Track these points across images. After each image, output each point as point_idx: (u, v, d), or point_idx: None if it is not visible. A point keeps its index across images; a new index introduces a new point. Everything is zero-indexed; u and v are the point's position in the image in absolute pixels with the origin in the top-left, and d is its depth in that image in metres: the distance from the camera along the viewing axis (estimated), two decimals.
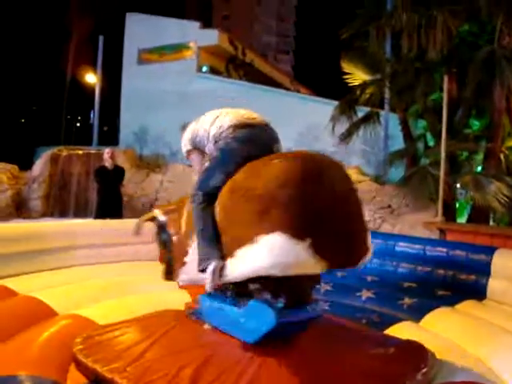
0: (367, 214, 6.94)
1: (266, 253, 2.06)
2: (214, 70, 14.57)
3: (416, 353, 2.42)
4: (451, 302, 3.51)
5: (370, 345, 2.51)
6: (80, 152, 11.51)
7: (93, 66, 15.17)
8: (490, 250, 3.86)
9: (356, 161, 9.08)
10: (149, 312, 3.19)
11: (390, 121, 8.97)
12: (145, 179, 11.25)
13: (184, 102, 12.57)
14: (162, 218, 3.12)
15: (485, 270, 3.77)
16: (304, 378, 2.03)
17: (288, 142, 10.60)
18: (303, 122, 10.15)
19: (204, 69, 14.15)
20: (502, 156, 7.76)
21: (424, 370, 2.22)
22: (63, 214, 10.63)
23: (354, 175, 8.12)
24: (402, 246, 4.32)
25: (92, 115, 15.89)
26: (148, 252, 4.93)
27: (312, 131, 10.00)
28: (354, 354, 2.34)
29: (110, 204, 6.49)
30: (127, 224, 5.24)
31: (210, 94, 12.24)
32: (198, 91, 12.61)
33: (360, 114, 8.16)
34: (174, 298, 3.56)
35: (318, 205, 2.09)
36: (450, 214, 6.85)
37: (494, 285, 3.68)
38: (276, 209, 2.09)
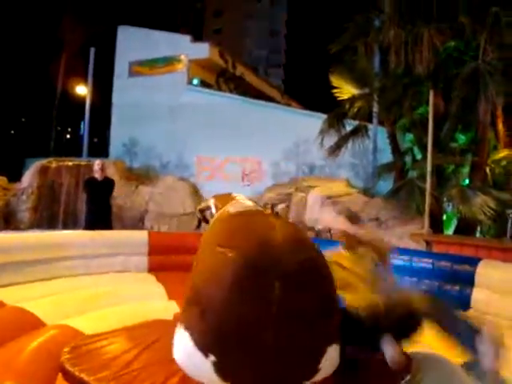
0: (354, 228, 7.00)
1: (178, 348, 1.96)
2: (204, 83, 14.68)
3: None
4: None
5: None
6: (70, 163, 11.49)
7: (84, 77, 15.21)
8: (474, 261, 3.93)
9: (345, 174, 9.18)
10: (137, 322, 3.21)
11: (379, 134, 9.10)
12: (134, 191, 11.25)
13: (174, 115, 12.65)
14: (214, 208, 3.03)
15: (469, 281, 3.84)
16: None
17: (277, 155, 10.73)
18: (293, 136, 10.27)
19: (194, 82, 14.25)
20: (487, 169, 7.89)
21: (407, 378, 2.24)
22: (52, 225, 10.58)
23: (342, 188, 8.22)
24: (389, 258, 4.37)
25: (82, 127, 15.86)
26: (137, 263, 4.95)
27: (301, 145, 10.12)
28: None
29: (100, 215, 6.49)
30: (116, 235, 5.27)
31: (200, 107, 12.33)
32: (188, 104, 12.69)
33: (348, 128, 8.27)
34: (163, 308, 3.58)
35: (240, 324, 1.76)
36: (437, 226, 6.94)
37: (477, 295, 3.74)
38: (195, 307, 1.87)
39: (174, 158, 12.51)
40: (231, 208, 2.37)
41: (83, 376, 2.18)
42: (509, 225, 5.79)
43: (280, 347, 1.76)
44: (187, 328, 1.89)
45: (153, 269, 4.88)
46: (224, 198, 2.85)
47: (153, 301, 3.97)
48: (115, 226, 7.36)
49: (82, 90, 16.45)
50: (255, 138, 10.67)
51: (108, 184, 6.73)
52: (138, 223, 10.67)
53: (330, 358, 1.88)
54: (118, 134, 14.07)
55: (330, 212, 7.44)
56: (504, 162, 8.14)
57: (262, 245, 1.83)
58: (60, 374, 2.33)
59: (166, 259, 4.86)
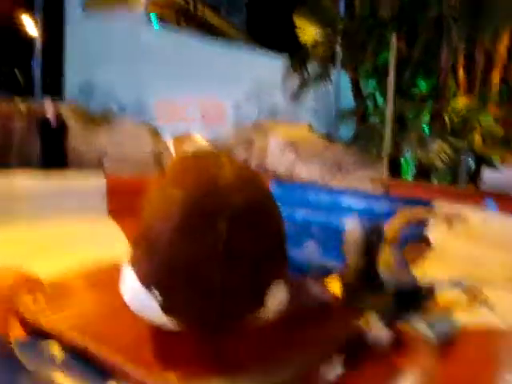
0: (316, 172, 7.08)
1: (126, 288, 1.97)
2: (164, 22, 14.01)
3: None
4: None
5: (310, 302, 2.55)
6: (21, 104, 10.90)
7: (31, 11, 14.18)
8: (428, 204, 4.05)
9: (307, 118, 9.14)
10: (94, 265, 3.17)
11: (341, 79, 9.03)
12: (92, 135, 10.87)
13: (133, 56, 12.08)
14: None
15: (423, 222, 3.96)
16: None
17: (239, 98, 10.48)
18: (255, 77, 10.04)
19: (154, 21, 13.57)
20: (446, 117, 8.03)
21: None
22: (3, 168, 10.14)
23: (304, 132, 8.20)
24: (347, 200, 4.47)
25: (33, 66, 14.95)
26: (95, 207, 4.85)
27: (264, 87, 9.94)
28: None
29: (54, 158, 6.26)
30: (73, 178, 5.11)
31: (160, 46, 11.80)
32: (148, 44, 12.12)
33: (312, 72, 8.15)
34: (123, 252, 3.54)
35: (186, 263, 1.86)
36: (396, 171, 7.10)
37: (431, 235, 3.88)
38: (141, 245, 1.92)
39: (133, 101, 12.07)
40: (186, 149, 2.32)
41: (37, 319, 2.15)
42: (462, 170, 5.98)
43: (226, 286, 1.77)
44: (133, 266, 1.86)
45: (112, 212, 4.79)
46: (182, 140, 2.79)
47: (112, 245, 3.92)
48: (72, 170, 7.14)
49: (30, 25, 15.38)
50: (217, 81, 10.39)
51: (62, 126, 6.45)
52: (96, 167, 10.40)
53: (276, 295, 1.91)
54: (73, 75, 13.38)
55: (290, 156, 7.45)
56: (463, 110, 8.29)
57: (211, 184, 1.79)
58: (13, 319, 2.28)
59: (125, 203, 4.76)
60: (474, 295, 2.75)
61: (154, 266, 1.88)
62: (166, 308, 1.87)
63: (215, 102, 10.87)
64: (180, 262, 1.83)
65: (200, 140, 2.62)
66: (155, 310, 1.89)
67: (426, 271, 3.38)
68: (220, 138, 9.32)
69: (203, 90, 10.82)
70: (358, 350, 2.13)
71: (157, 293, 1.84)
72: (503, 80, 9.79)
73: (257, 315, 1.96)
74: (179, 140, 2.87)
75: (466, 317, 2.58)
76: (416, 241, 2.87)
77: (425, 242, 2.86)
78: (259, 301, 1.94)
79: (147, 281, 1.89)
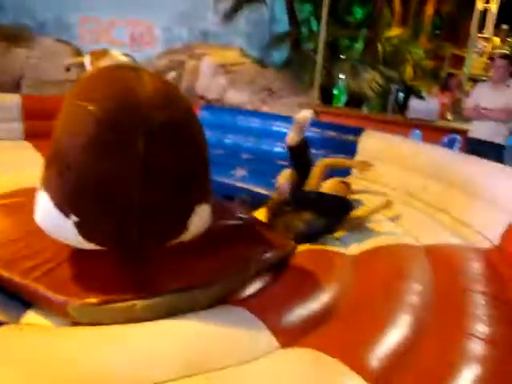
0: (247, 97, 6.93)
1: (39, 210, 1.81)
2: None
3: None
4: None
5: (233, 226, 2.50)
6: None
7: None
8: (358, 131, 4.11)
9: (239, 42, 8.79)
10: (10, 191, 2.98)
11: (276, 3, 8.68)
12: (6, 54, 9.89)
13: None
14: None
15: (352, 150, 4.04)
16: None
17: (169, 19, 9.84)
18: None
19: None
20: (379, 46, 8.05)
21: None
22: None
23: (236, 57, 7.93)
24: (278, 126, 4.42)
25: None
26: (11, 130, 4.50)
27: (195, 8, 9.37)
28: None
29: None
30: None
31: None
32: None
33: None
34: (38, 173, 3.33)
35: (101, 181, 1.66)
36: (327, 99, 7.11)
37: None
38: (54, 165, 1.72)
39: (51, 17, 10.95)
40: (103, 63, 2.12)
41: None
42: (390, 99, 6.10)
43: (145, 205, 1.70)
44: (46, 188, 1.74)
45: (29, 136, 4.47)
46: (99, 55, 2.56)
47: (30, 169, 3.67)
48: None
49: None
50: (146, 1, 9.65)
51: None
52: (12, 90, 9.57)
53: (198, 217, 1.88)
54: None
55: (222, 80, 7.23)
56: (395, 40, 8.34)
57: (127, 98, 1.66)
58: None
59: (42, 125, 4.42)
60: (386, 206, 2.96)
61: (66, 186, 1.67)
62: (82, 228, 1.74)
63: (144, 22, 10.15)
64: (94, 180, 1.65)
65: (119, 55, 2.41)
66: (70, 231, 1.76)
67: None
68: (150, 60, 8.83)
69: (131, 10, 10.04)
70: (278, 267, 2.20)
71: (73, 217, 1.66)
72: (436, 12, 9.90)
73: (179, 238, 1.92)
74: (96, 54, 2.62)
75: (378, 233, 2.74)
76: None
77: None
78: (182, 223, 1.88)
79: (60, 201, 1.70)
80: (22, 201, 2.65)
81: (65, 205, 1.71)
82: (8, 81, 9.54)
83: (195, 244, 2.00)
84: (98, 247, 1.84)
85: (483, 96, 4.14)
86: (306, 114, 2.96)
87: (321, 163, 3.13)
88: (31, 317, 1.78)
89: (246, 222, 2.50)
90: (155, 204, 1.73)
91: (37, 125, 4.44)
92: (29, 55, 9.86)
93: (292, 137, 2.91)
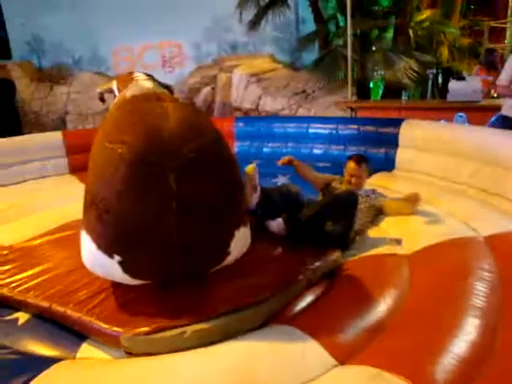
0: (282, 103, 6.87)
1: (84, 251, 1.88)
2: None
3: None
4: None
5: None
6: None
7: None
8: (397, 122, 3.95)
9: (269, 49, 8.76)
10: (59, 225, 3.06)
11: (300, 3, 8.60)
12: (49, 93, 10.35)
13: (77, 1, 11.26)
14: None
15: (393, 142, 3.89)
16: None
17: (197, 36, 9.98)
18: (211, 13, 9.49)
19: None
20: (410, 32, 7.78)
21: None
22: None
23: (267, 64, 7.90)
24: (314, 128, 4.34)
25: None
26: (56, 166, 4.66)
27: (221, 22, 9.44)
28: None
29: (4, 121, 5.92)
30: (28, 139, 4.85)
31: None
32: None
33: None
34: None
35: (139, 222, 1.69)
36: (364, 93, 6.93)
37: (401, 155, 3.82)
38: (91, 209, 1.75)
39: (86, 53, 11.39)
40: (128, 92, 2.14)
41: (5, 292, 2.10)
42: (429, 85, 5.85)
43: (184, 239, 1.73)
44: (88, 231, 1.81)
45: (74, 169, 4.61)
46: (125, 79, 2.58)
47: (77, 202, 3.77)
48: (34, 132, 6.78)
49: None
50: (172, 20, 9.78)
51: (6, 85, 6.04)
52: (59, 127, 9.98)
53: (239, 241, 1.89)
54: (18, 31, 12.50)
55: (255, 89, 7.20)
56: (426, 23, 8.04)
57: (152, 136, 1.67)
58: None
59: (86, 157, 4.57)
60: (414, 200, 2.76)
61: (106, 229, 1.66)
62: (126, 267, 1.73)
63: (173, 43, 10.35)
64: (133, 222, 1.64)
65: (141, 78, 2.45)
66: (115, 270, 1.72)
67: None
68: (183, 79, 8.96)
69: (160, 33, 10.25)
70: (328, 278, 2.12)
71: (117, 257, 1.68)
72: None
73: (222, 264, 1.91)
74: (122, 79, 2.67)
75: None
76: None
77: None
78: (223, 251, 1.88)
79: (102, 244, 1.68)
80: (71, 234, 2.73)
81: (107, 247, 1.77)
82: (56, 119, 9.99)
83: (241, 264, 1.99)
84: (144, 282, 1.87)
85: None
86: (251, 166, 2.58)
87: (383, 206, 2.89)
88: (86, 350, 1.80)
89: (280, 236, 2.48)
90: (194, 237, 1.77)
91: (80, 158, 4.59)
92: (70, 91, 10.28)
93: (250, 200, 2.46)
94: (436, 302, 1.75)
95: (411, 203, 2.77)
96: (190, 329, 1.69)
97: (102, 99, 3.10)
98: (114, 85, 2.75)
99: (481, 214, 2.65)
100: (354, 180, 2.90)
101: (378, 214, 2.85)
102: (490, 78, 5.92)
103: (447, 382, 1.30)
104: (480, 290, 1.77)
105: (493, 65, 6.19)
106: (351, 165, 2.93)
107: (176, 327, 1.70)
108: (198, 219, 1.73)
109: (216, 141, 1.82)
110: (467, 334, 1.51)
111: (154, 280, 1.91)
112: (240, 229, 1.89)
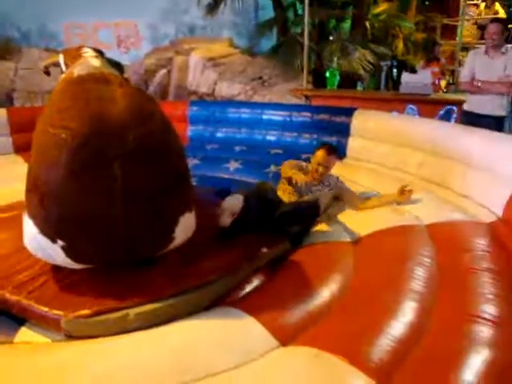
0: (238, 88, 6.83)
1: (26, 234, 1.84)
2: None
3: None
4: None
5: None
6: None
7: None
8: (350, 112, 4.00)
9: (227, 33, 8.67)
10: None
11: None
12: None
13: None
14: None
15: (345, 131, 3.94)
16: None
17: (154, 16, 9.71)
18: None
19: None
20: (367, 24, 7.91)
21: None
22: None
23: (224, 48, 7.83)
24: (268, 114, 4.35)
25: None
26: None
27: (178, 3, 9.23)
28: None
29: None
30: None
31: None
32: None
33: None
34: None
35: (83, 207, 1.66)
36: (320, 82, 7.00)
37: (352, 144, 3.88)
38: (34, 193, 1.73)
39: (35, 27, 10.88)
40: (76, 70, 2.05)
41: None
42: (383, 76, 5.98)
43: (128, 225, 1.72)
44: (30, 215, 1.77)
45: (19, 149, 4.40)
46: (73, 54, 2.48)
47: (21, 183, 3.62)
48: None
49: None
50: (128, 0, 9.51)
51: None
52: (5, 104, 9.51)
53: (184, 226, 1.90)
54: None
55: (212, 74, 7.13)
56: (383, 16, 8.19)
57: (96, 122, 1.63)
58: None
59: (32, 137, 4.37)
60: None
61: (49, 214, 1.61)
62: (69, 251, 1.65)
63: (129, 22, 10.03)
64: (75, 207, 1.56)
65: (89, 55, 2.34)
66: (58, 254, 1.64)
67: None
68: (139, 60, 8.73)
69: (115, 12, 9.90)
70: (275, 265, 2.14)
71: (60, 241, 1.62)
72: None
73: (167, 248, 1.90)
74: (69, 53, 2.55)
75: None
76: None
77: None
78: (167, 236, 1.86)
79: (45, 228, 1.61)
80: (14, 215, 2.62)
81: (50, 231, 1.73)
82: (1, 96, 9.48)
83: (188, 248, 1.98)
84: (87, 266, 1.84)
85: (479, 66, 3.96)
86: (233, 202, 2.51)
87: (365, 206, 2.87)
88: (25, 334, 1.75)
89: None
90: (138, 222, 1.76)
91: (25, 137, 4.38)
92: (17, 67, 9.80)
93: (224, 219, 2.41)
94: (377, 287, 1.81)
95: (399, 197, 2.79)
96: (132, 311, 1.67)
97: (48, 73, 2.98)
98: (61, 59, 2.63)
99: (425, 204, 2.74)
100: (320, 169, 2.86)
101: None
102: (436, 69, 6.13)
103: (382, 360, 1.34)
104: (419, 275, 1.84)
105: (435, 57, 6.44)
106: (321, 153, 2.89)
107: (118, 310, 1.67)
108: (142, 204, 1.72)
109: (163, 129, 1.81)
110: (404, 316, 1.57)
111: (98, 264, 1.88)
112: (185, 215, 1.88)
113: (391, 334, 1.48)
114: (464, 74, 4.06)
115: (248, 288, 1.94)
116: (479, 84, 3.89)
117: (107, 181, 1.64)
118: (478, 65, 3.97)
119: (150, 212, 1.76)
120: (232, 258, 2.02)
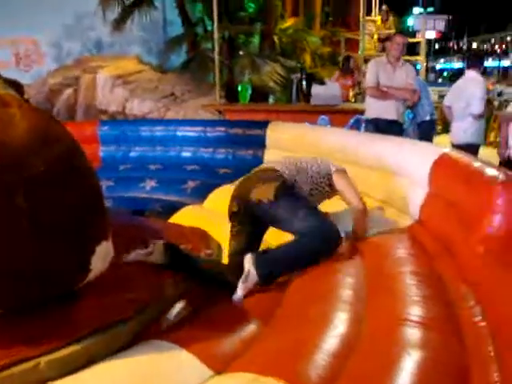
0: (150, 106, 6.68)
1: None
2: None
3: (199, 238, 2.45)
4: (232, 178, 3.43)
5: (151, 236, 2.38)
6: None
7: None
8: (264, 125, 4.06)
9: (136, 50, 8.45)
10: None
11: (167, 5, 8.45)
12: None
13: None
14: None
15: (260, 143, 3.98)
16: None
17: (56, 33, 9.24)
18: (71, 9, 8.85)
19: None
20: (275, 38, 8.13)
21: (209, 252, 2.27)
22: None
23: (133, 65, 7.63)
24: (182, 131, 4.29)
25: None
26: None
27: (83, 20, 8.86)
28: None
29: None
30: None
31: None
32: None
33: None
34: None
35: None
36: (233, 97, 7.04)
37: (268, 156, 3.91)
38: None
39: None
40: None
41: None
42: (293, 89, 6.15)
43: (40, 260, 1.56)
44: None
45: None
46: None
47: None
48: None
49: None
50: (26, 15, 8.94)
51: None
52: None
53: (100, 256, 1.75)
54: None
55: (122, 92, 6.90)
56: (290, 31, 8.48)
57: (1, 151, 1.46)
58: None
59: None
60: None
61: None
62: None
63: (28, 39, 9.46)
64: None
65: None
66: None
67: None
68: (42, 80, 8.23)
69: (12, 28, 9.28)
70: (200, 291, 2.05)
71: None
72: (325, 2, 10.23)
73: (84, 281, 1.74)
74: None
75: None
76: None
77: None
78: (84, 268, 1.67)
79: None
80: None
81: None
82: None
83: (107, 280, 1.83)
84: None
85: (383, 74, 4.21)
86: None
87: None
88: None
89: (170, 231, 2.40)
90: (50, 256, 1.59)
91: None
92: None
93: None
94: (307, 301, 1.78)
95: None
96: (44, 359, 1.49)
97: None
98: None
99: (344, 214, 2.76)
100: None
101: None
102: (349, 82, 6.44)
103: (320, 376, 1.31)
104: (347, 284, 1.85)
105: (350, 70, 6.78)
106: None
107: (26, 360, 1.48)
108: (53, 237, 1.55)
109: (70, 151, 1.66)
110: (335, 329, 1.55)
111: (9, 307, 1.67)
112: (101, 243, 1.74)
113: (325, 348, 1.45)
114: (369, 80, 4.30)
115: (173, 318, 1.83)
116: (384, 89, 4.14)
117: (11, 213, 1.47)
118: (381, 73, 4.22)
119: (63, 244, 1.60)
120: (154, 289, 1.90)
